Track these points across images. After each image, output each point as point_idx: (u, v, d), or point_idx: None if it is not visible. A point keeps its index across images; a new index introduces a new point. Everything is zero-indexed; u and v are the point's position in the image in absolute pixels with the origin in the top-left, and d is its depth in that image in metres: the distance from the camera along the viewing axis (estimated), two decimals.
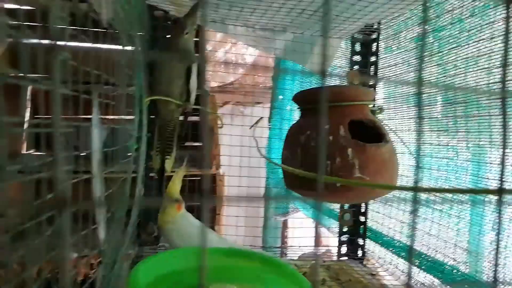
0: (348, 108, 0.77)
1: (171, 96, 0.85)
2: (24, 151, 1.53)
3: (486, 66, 0.68)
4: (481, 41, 0.68)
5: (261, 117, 0.97)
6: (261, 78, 1.82)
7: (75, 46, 0.42)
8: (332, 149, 0.75)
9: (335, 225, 1.11)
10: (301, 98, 0.83)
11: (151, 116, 0.91)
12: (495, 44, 0.66)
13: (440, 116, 0.82)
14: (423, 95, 0.86)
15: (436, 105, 0.84)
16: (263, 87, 1.78)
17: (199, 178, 1.36)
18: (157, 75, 0.83)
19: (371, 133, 0.78)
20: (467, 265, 0.67)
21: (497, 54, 0.65)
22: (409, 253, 0.65)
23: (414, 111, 0.86)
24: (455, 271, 0.69)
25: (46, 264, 0.36)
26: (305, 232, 1.26)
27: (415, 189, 0.28)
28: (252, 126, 0.95)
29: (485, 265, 0.64)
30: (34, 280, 0.32)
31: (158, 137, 0.91)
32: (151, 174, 1.00)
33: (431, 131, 0.83)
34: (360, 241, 1.02)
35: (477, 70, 0.70)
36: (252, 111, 1.55)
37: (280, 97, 1.39)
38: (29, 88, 1.50)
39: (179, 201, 0.84)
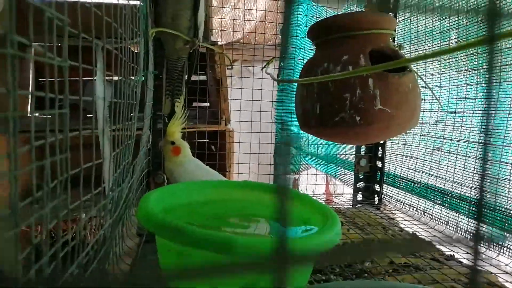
0: (368, 37, 0.72)
1: (177, 31, 0.80)
2: (28, 114, 1.49)
3: None
4: None
5: (273, 57, 0.93)
6: (268, 33, 1.75)
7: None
8: (352, 80, 0.70)
9: (349, 175, 1.07)
10: (317, 29, 0.78)
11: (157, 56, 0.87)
12: None
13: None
14: (437, 32, 0.81)
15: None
16: (271, 43, 1.72)
17: (208, 140, 1.33)
18: (161, 7, 0.78)
19: None
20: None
21: None
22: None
23: (434, 44, 0.80)
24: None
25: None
26: (318, 189, 1.23)
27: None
28: (264, 67, 0.91)
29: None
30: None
31: (166, 79, 0.87)
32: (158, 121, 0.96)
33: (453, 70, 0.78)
34: (377, 187, 0.98)
35: None
36: (259, 67, 1.49)
37: (290, 48, 1.33)
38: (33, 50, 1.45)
39: (175, 143, 0.81)
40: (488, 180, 0.65)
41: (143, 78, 0.69)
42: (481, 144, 0.67)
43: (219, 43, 1.64)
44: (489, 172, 0.66)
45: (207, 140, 1.33)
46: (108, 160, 0.47)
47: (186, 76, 0.90)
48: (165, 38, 0.83)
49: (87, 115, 0.47)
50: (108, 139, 0.48)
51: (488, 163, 0.66)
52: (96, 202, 0.43)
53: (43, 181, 0.29)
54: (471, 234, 0.67)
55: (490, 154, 0.66)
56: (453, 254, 0.64)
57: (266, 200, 0.60)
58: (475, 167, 0.68)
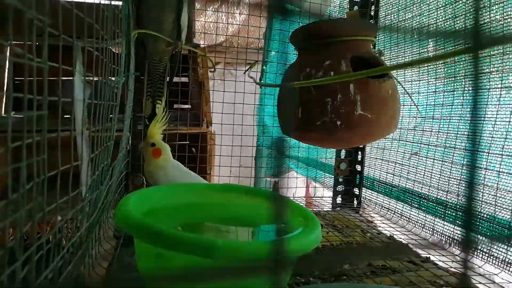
0: (349, 43, 0.74)
1: (160, 32, 0.79)
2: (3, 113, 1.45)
3: None
4: None
5: (256, 61, 0.93)
6: (252, 38, 1.76)
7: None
8: (333, 86, 0.71)
9: (329, 178, 1.08)
10: (299, 35, 0.79)
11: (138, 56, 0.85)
12: None
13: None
14: (415, 37, 0.83)
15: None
16: (254, 46, 1.72)
17: (188, 142, 1.32)
18: (144, 8, 0.78)
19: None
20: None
21: None
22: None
23: (414, 51, 0.82)
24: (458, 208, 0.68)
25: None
26: (298, 192, 1.24)
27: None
28: (246, 70, 0.91)
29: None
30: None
31: (148, 80, 0.86)
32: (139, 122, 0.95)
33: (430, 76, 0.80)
34: (356, 191, 1.00)
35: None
36: (242, 70, 1.49)
37: (272, 52, 1.34)
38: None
39: (155, 145, 0.80)
40: (463, 185, 0.67)
41: (124, 80, 0.68)
42: (456, 149, 0.69)
43: (202, 46, 1.63)
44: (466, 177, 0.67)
45: (188, 143, 1.32)
46: (86, 162, 0.46)
47: (168, 78, 0.89)
48: (147, 40, 0.82)
49: (65, 115, 0.46)
50: (86, 141, 0.47)
51: (464, 168, 0.68)
52: (73, 205, 0.42)
53: (19, 182, 0.28)
54: (447, 238, 0.69)
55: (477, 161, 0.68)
56: (429, 257, 0.66)
57: (247, 202, 0.60)
58: (451, 171, 0.70)
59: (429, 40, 0.78)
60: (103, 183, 0.54)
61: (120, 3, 0.68)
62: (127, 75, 0.72)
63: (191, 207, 0.60)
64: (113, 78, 0.59)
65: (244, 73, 0.91)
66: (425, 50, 0.81)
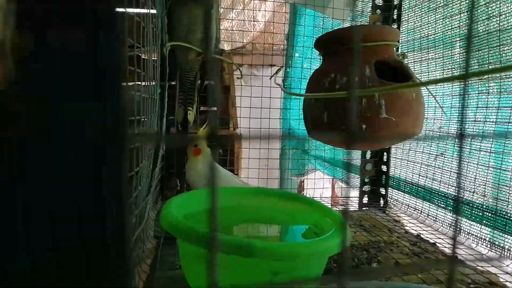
0: (373, 48, 0.76)
1: (191, 43, 0.84)
2: None
3: None
4: None
5: (281, 67, 0.96)
6: (274, 40, 1.79)
7: None
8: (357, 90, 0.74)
9: (355, 178, 1.10)
10: (324, 41, 0.82)
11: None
12: None
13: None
14: (440, 38, 0.84)
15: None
16: (277, 49, 1.75)
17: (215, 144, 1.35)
18: (175, 21, 0.82)
19: (396, 74, 0.77)
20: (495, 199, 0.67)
21: None
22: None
23: (437, 53, 0.84)
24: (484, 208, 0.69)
25: None
26: (324, 192, 1.26)
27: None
28: (272, 76, 0.94)
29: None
30: None
31: (179, 88, 0.91)
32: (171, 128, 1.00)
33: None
34: (382, 191, 1.01)
35: None
36: (266, 73, 1.52)
37: (296, 54, 1.36)
38: None
39: (197, 145, 0.85)
40: (490, 186, 0.68)
41: (160, 90, 0.73)
42: (481, 151, 0.70)
43: (226, 50, 1.67)
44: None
45: (215, 143, 1.35)
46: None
47: (198, 85, 0.94)
48: (178, 50, 0.86)
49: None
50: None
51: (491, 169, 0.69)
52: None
53: None
54: (474, 237, 0.71)
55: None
56: (457, 256, 0.68)
57: (278, 205, 0.64)
58: (477, 172, 0.71)
59: (453, 42, 0.79)
60: (151, 190, 0.59)
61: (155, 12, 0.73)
62: (163, 85, 0.77)
63: (225, 211, 0.64)
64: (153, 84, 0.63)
65: (270, 78, 0.95)
66: (449, 52, 0.82)
